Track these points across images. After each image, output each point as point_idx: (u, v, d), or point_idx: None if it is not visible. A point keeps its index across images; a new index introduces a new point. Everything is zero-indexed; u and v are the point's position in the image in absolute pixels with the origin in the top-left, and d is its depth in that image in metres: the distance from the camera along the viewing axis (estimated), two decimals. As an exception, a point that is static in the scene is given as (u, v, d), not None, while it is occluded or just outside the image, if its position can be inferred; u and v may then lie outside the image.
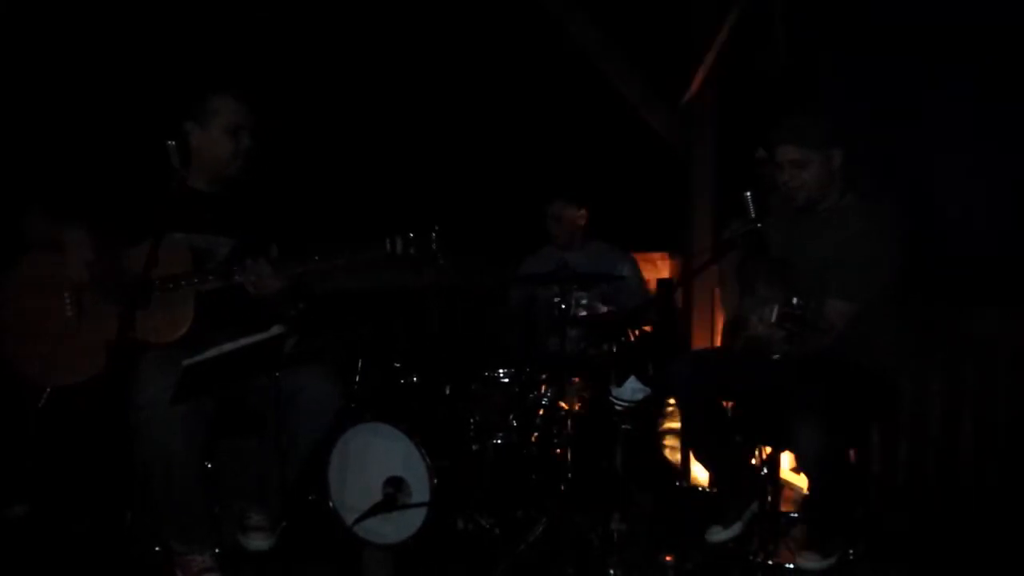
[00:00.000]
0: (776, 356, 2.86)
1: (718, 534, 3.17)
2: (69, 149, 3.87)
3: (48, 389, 2.82)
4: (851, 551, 3.10)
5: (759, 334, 2.83)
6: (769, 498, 3.30)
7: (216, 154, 2.92)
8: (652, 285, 4.64)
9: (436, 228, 2.79)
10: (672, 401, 4.28)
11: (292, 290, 2.89)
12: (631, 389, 3.65)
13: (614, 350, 3.76)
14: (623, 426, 3.69)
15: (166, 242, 2.71)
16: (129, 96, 4.10)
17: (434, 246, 2.79)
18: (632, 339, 3.82)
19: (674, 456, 4.33)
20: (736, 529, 3.16)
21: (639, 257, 4.52)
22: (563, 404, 3.57)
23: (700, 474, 4.13)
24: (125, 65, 4.12)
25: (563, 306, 3.64)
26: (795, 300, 2.61)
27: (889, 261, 2.91)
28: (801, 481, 3.50)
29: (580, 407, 3.58)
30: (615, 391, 3.68)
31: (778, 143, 2.97)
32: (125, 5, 4.14)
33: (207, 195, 2.98)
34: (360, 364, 3.63)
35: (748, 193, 3.01)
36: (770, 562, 3.10)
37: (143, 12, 4.18)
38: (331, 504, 3.27)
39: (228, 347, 2.50)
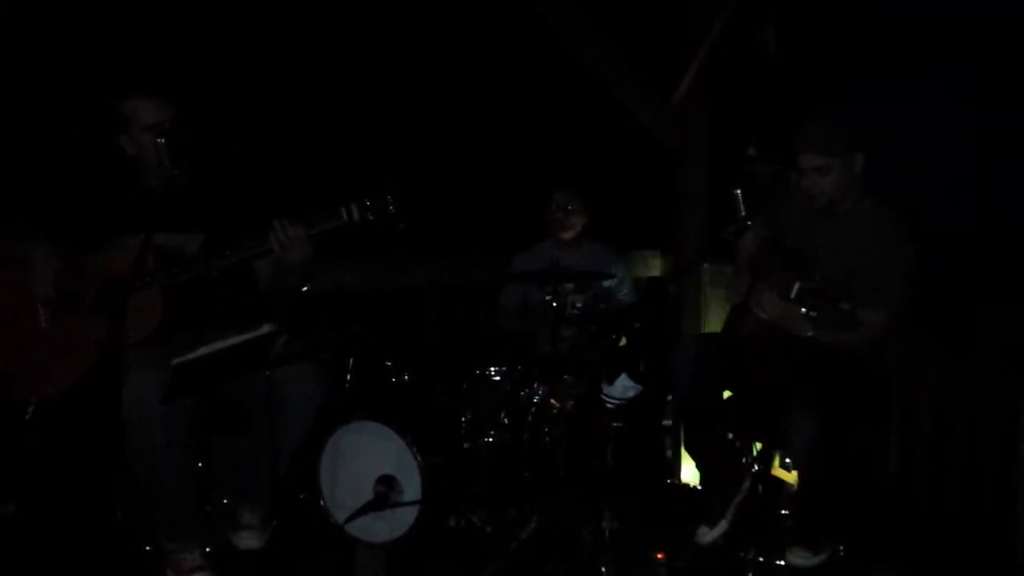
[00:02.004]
0: (810, 334, 2.83)
1: (706, 535, 3.19)
2: (21, 158, 3.84)
3: (33, 403, 2.81)
4: (841, 548, 3.11)
5: (776, 314, 2.83)
6: (760, 494, 3.31)
7: (148, 158, 2.87)
8: (642, 283, 4.64)
9: (391, 191, 2.73)
10: (664, 398, 4.30)
11: (310, 260, 2.84)
12: (622, 387, 3.66)
13: (605, 348, 3.76)
14: (614, 424, 3.70)
15: (125, 244, 2.72)
16: (80, 101, 4.04)
17: (391, 208, 2.74)
18: (622, 339, 3.83)
19: (665, 454, 4.35)
20: (723, 526, 3.18)
21: (631, 258, 4.53)
22: (555, 402, 3.56)
23: (691, 472, 4.14)
24: (75, 71, 4.07)
25: (555, 304, 3.64)
26: (817, 276, 2.61)
27: (912, 263, 2.94)
28: (792, 478, 3.51)
29: (572, 405, 3.58)
30: (606, 389, 3.69)
31: (802, 150, 2.97)
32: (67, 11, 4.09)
33: (170, 193, 2.91)
34: (351, 362, 3.63)
35: (738, 191, 3.02)
36: (760, 559, 3.10)
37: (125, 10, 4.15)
38: (322, 503, 3.27)
39: (218, 345, 2.50)
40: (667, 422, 4.28)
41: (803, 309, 2.67)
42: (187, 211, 2.89)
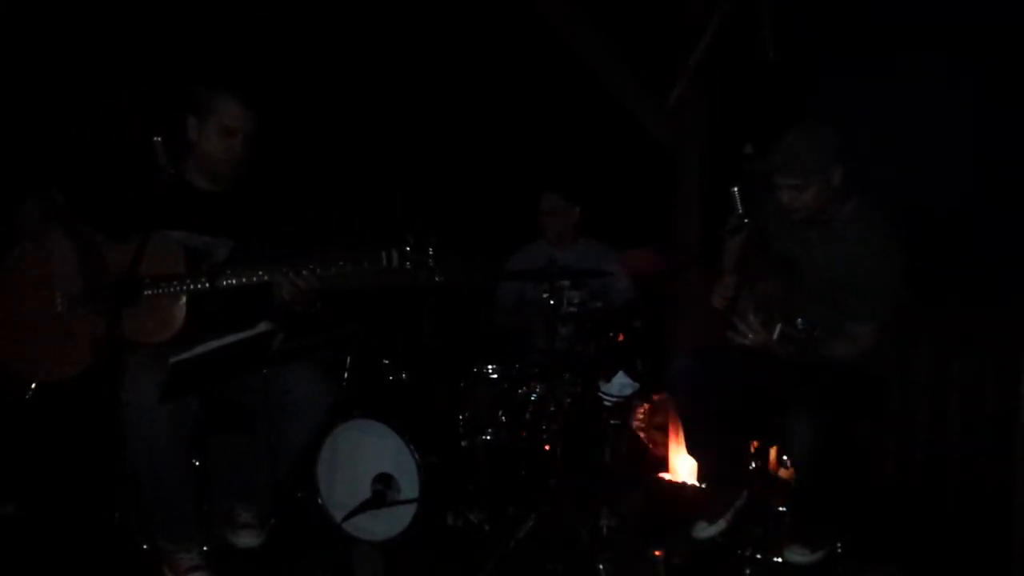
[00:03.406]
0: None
1: (704, 530, 3.19)
2: (61, 143, 3.86)
3: (34, 384, 2.81)
4: (839, 545, 3.12)
5: (759, 342, 2.83)
6: (757, 492, 3.32)
7: (209, 152, 2.90)
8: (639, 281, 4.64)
9: (434, 242, 2.74)
10: (660, 396, 4.31)
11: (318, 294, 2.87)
12: (619, 385, 3.66)
13: (603, 346, 3.76)
14: (612, 422, 3.71)
15: (159, 241, 2.71)
16: (124, 91, 4.08)
17: (431, 262, 2.75)
18: (620, 337, 3.82)
19: (663, 451, 4.35)
20: (721, 525, 3.18)
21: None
22: (552, 400, 3.57)
23: (689, 469, 4.15)
24: (122, 60, 4.11)
25: (552, 303, 3.64)
26: (799, 322, 2.61)
27: (901, 272, 2.92)
28: (790, 475, 3.51)
29: (569, 403, 3.58)
30: (604, 387, 3.69)
31: (777, 169, 2.94)
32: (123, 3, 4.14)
33: (210, 195, 2.96)
34: (349, 361, 3.63)
35: (735, 189, 3.02)
36: (758, 556, 3.11)
37: (140, 8, 4.16)
38: (320, 501, 3.27)
39: (215, 344, 2.50)
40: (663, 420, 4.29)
41: (782, 350, 2.70)
42: (224, 215, 2.91)
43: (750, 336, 2.83)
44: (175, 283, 2.76)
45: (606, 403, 3.73)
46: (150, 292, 2.75)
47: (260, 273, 2.78)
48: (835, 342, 2.81)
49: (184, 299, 2.78)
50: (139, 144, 2.89)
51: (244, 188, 3.01)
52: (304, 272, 2.77)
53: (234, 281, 2.78)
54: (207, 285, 2.76)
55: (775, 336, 2.67)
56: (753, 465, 3.34)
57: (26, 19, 3.89)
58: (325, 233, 2.94)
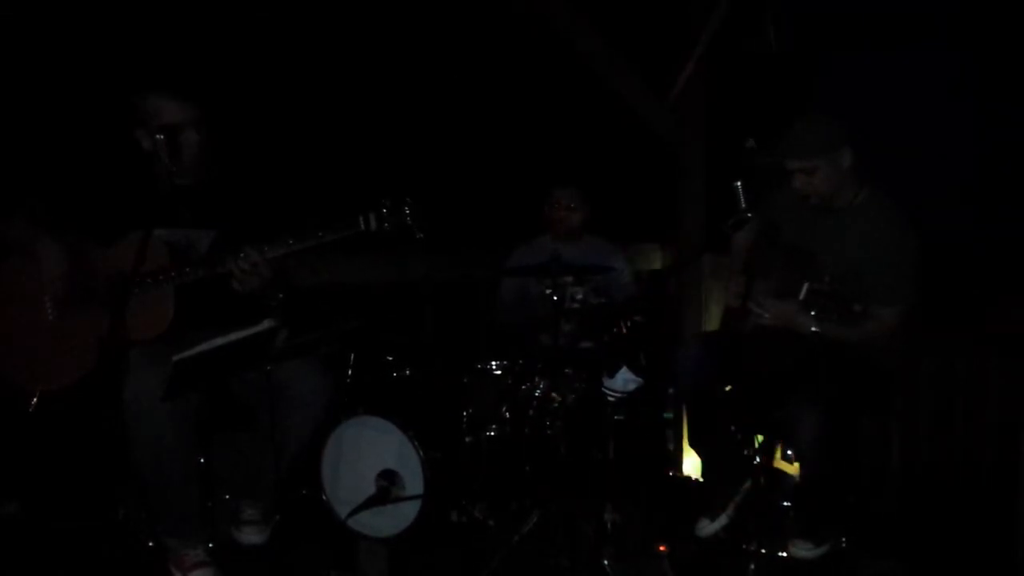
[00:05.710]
0: (814, 329, 2.82)
1: (706, 528, 3.20)
2: (41, 151, 3.85)
3: (37, 394, 2.81)
4: (843, 540, 3.12)
5: (781, 318, 2.82)
6: (762, 487, 3.31)
7: (162, 155, 2.81)
8: (643, 276, 4.63)
9: (409, 200, 2.74)
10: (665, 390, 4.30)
11: (274, 280, 2.86)
12: (623, 380, 3.65)
13: (606, 342, 3.76)
14: (616, 417, 3.70)
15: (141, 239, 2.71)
16: (97, 95, 4.06)
17: (409, 220, 2.75)
18: (623, 331, 3.82)
19: (667, 446, 4.35)
20: (723, 520, 3.18)
21: (630, 248, 4.52)
22: (556, 396, 3.56)
23: (693, 464, 4.15)
24: (96, 67, 4.09)
25: (555, 298, 3.63)
26: (827, 278, 2.60)
27: (920, 255, 2.93)
28: (794, 470, 3.51)
29: (573, 399, 3.58)
30: (607, 382, 3.69)
31: (785, 154, 2.97)
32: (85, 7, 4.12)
33: (183, 189, 2.93)
34: (352, 358, 3.62)
35: (738, 183, 3.02)
36: (763, 551, 3.11)
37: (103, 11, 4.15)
38: (325, 498, 3.27)
39: (219, 342, 2.49)
40: (668, 415, 4.28)
41: (812, 312, 2.66)
42: (203, 209, 2.90)
43: (767, 315, 2.83)
44: (161, 277, 2.76)
45: (609, 398, 3.73)
46: (139, 290, 2.74)
47: (241, 256, 2.77)
48: (864, 323, 2.80)
49: (173, 294, 2.78)
50: (134, 146, 2.90)
51: (217, 178, 2.99)
52: (266, 248, 2.75)
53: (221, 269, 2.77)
54: (201, 274, 2.76)
55: (802, 296, 2.65)
56: (757, 460, 3.34)
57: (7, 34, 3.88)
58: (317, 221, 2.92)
